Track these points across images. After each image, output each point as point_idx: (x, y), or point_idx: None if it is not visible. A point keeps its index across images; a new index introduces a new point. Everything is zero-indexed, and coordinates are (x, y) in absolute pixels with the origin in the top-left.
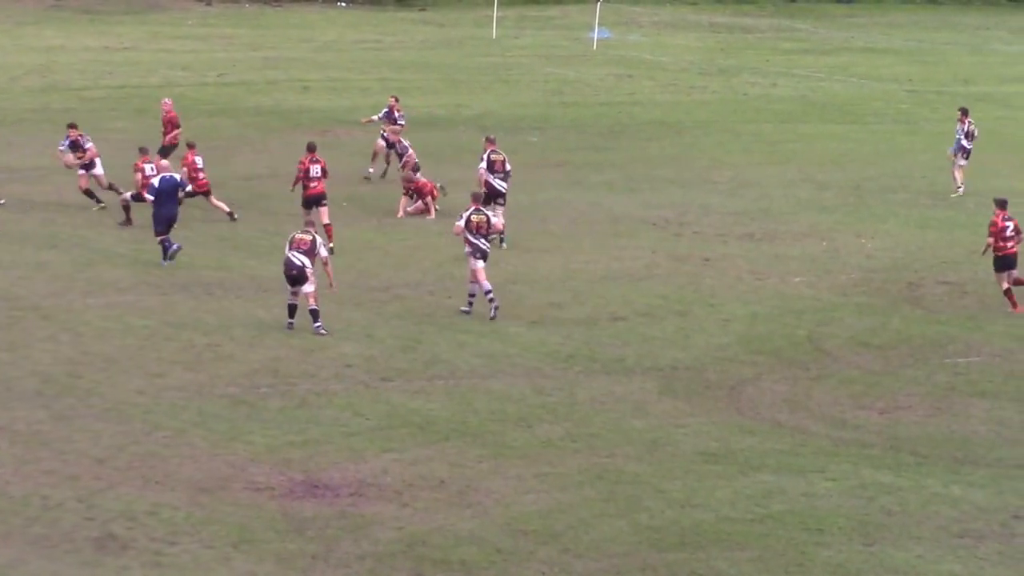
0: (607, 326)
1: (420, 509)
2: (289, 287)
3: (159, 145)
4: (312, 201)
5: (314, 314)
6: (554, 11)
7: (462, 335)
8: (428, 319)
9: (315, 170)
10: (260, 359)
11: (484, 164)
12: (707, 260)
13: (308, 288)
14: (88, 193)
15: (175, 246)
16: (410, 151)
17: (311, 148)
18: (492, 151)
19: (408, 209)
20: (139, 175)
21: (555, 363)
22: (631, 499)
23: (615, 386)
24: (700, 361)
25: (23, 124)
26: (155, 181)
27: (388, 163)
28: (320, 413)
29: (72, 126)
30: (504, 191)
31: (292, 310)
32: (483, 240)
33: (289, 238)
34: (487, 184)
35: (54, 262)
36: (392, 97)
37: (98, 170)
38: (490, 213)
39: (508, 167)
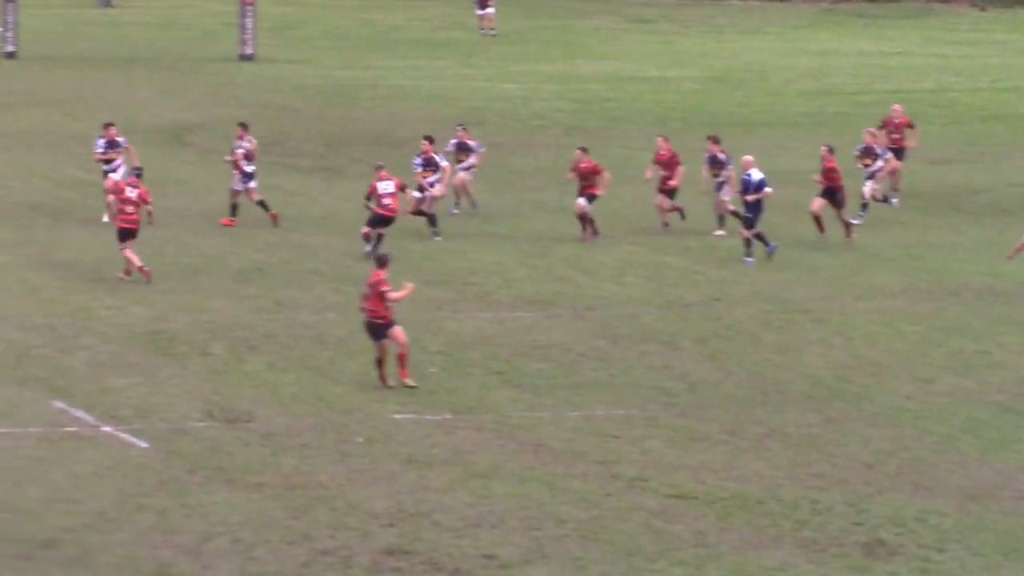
0: None
1: None
2: None
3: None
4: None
5: None
6: None
7: None
8: None
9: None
10: None
11: None
12: None
13: None
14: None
15: (774, 245)
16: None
17: (832, 150)
18: None
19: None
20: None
21: None
22: None
23: None
24: None
25: (796, 127)
26: (754, 178)
27: None
28: None
29: (428, 139)
30: None
31: None
32: None
33: None
34: None
35: (826, 266)
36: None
37: (436, 190)
38: None
39: None
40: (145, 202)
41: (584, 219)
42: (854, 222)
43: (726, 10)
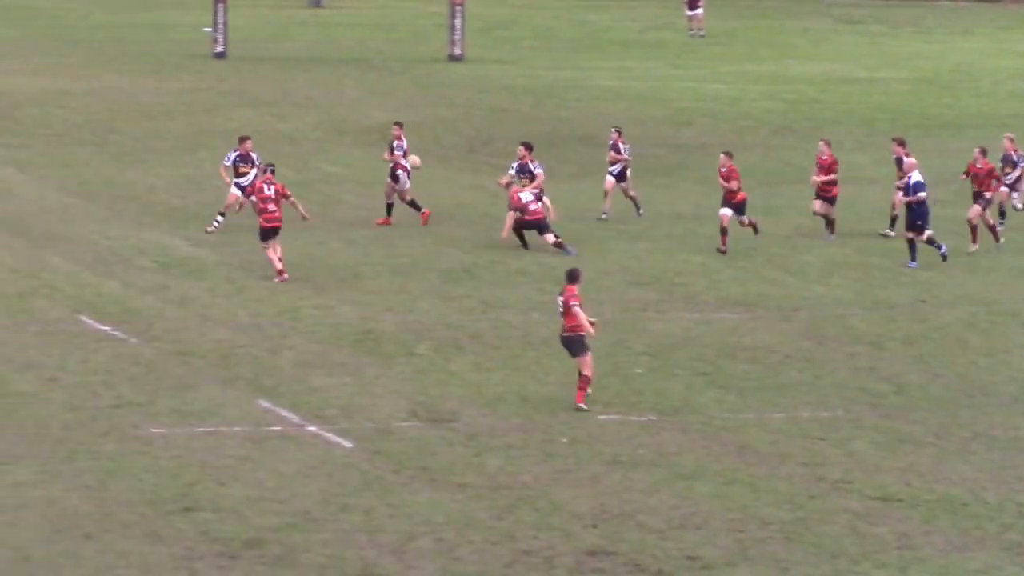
0: None
1: None
2: None
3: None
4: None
5: None
6: None
7: None
8: None
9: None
10: None
11: None
12: None
13: None
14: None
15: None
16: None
17: (985, 152)
18: None
19: None
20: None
21: None
22: None
23: None
24: None
25: (1005, 129)
26: (912, 181)
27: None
28: None
29: (525, 145)
30: None
31: None
32: None
33: None
34: None
35: None
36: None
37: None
38: None
39: None
40: (285, 196)
41: (725, 232)
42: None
43: (935, 11)
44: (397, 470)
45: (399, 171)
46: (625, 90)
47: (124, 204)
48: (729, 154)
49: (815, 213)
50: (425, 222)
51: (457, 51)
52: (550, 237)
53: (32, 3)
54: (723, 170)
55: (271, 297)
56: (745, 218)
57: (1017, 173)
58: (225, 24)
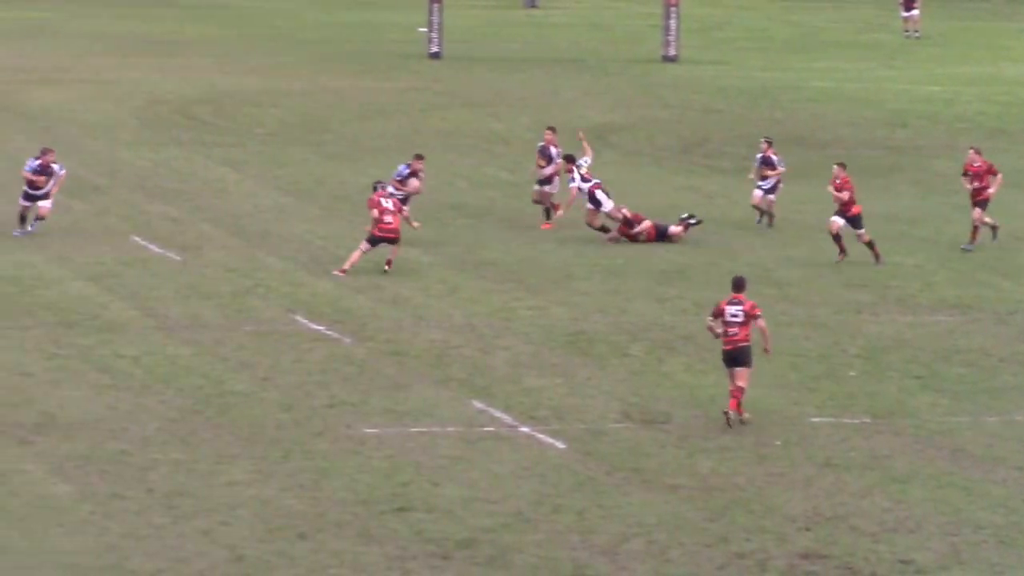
0: None
1: None
2: None
3: None
4: None
5: None
6: None
7: None
8: None
9: None
10: None
11: None
12: None
13: None
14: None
15: None
16: None
17: None
18: None
19: None
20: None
21: None
22: None
23: None
24: None
25: None
26: None
27: None
28: None
29: (568, 160)
30: None
31: None
32: None
33: None
34: None
35: None
36: None
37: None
38: None
39: None
40: (399, 210)
41: (838, 239)
42: None
43: None
44: (609, 471)
45: (556, 178)
46: (839, 91)
47: (338, 203)
48: (843, 165)
49: (983, 222)
50: (546, 228)
51: (671, 52)
52: (674, 228)
53: (248, 3)
54: (837, 181)
55: (484, 297)
56: (864, 232)
57: None
58: (440, 24)
